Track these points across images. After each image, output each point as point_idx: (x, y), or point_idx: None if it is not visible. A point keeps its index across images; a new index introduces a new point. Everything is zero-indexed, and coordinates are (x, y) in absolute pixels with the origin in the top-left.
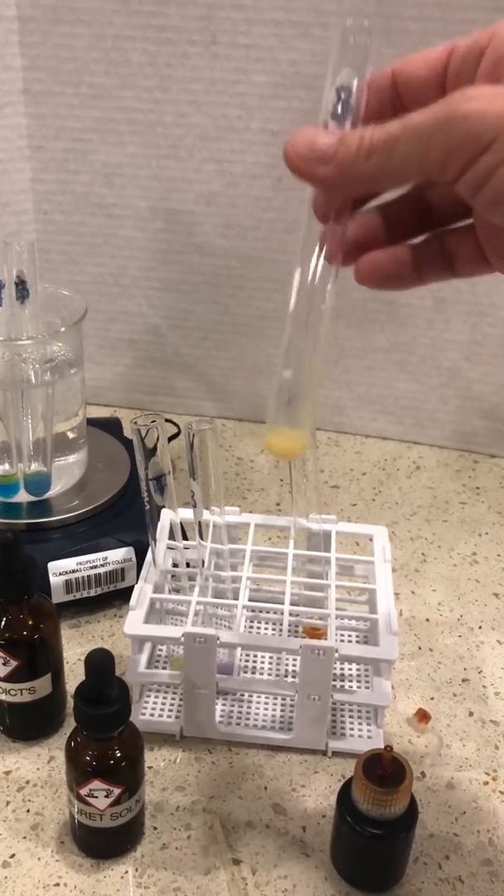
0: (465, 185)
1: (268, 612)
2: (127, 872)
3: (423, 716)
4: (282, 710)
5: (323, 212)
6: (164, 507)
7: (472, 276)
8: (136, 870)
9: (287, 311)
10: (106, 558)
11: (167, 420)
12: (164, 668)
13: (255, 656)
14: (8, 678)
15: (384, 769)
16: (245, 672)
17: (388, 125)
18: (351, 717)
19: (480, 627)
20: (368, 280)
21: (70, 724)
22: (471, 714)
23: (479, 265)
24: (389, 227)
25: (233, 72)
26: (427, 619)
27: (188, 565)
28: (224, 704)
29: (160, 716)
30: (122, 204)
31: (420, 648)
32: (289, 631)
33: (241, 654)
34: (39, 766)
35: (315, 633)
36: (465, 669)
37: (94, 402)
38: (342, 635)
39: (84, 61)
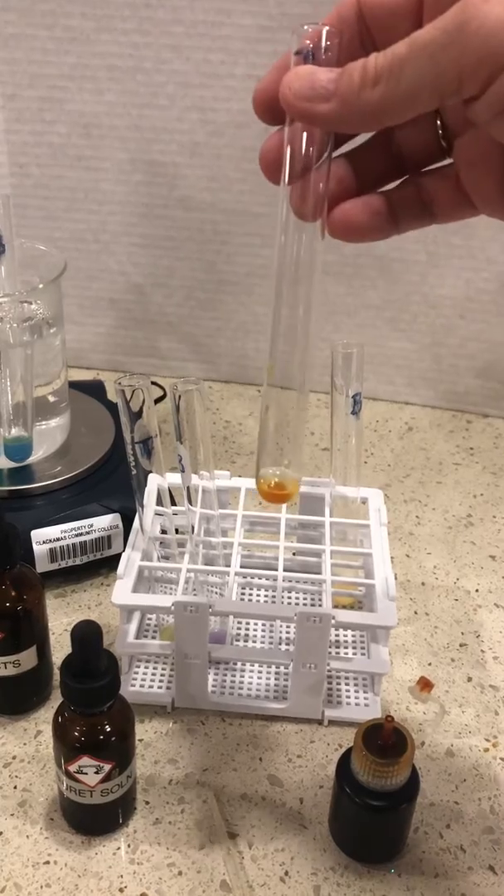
0: (484, 106)
1: (261, 579)
2: (119, 849)
3: (425, 684)
4: (276, 679)
5: (303, 161)
6: (151, 471)
7: (454, 220)
8: (129, 846)
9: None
10: (91, 525)
11: (152, 382)
12: (153, 637)
13: (248, 624)
14: None
15: (385, 740)
16: (237, 640)
17: (392, 48)
18: (347, 684)
19: (477, 591)
20: (344, 233)
21: (57, 697)
22: (469, 679)
23: (461, 208)
24: (359, 177)
25: (215, 13)
26: (423, 583)
27: (177, 532)
28: (216, 674)
29: (150, 687)
30: (100, 156)
31: (416, 613)
32: (283, 597)
33: (234, 623)
34: (26, 741)
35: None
36: (462, 634)
37: (75, 365)
38: None
39: (58, 2)
